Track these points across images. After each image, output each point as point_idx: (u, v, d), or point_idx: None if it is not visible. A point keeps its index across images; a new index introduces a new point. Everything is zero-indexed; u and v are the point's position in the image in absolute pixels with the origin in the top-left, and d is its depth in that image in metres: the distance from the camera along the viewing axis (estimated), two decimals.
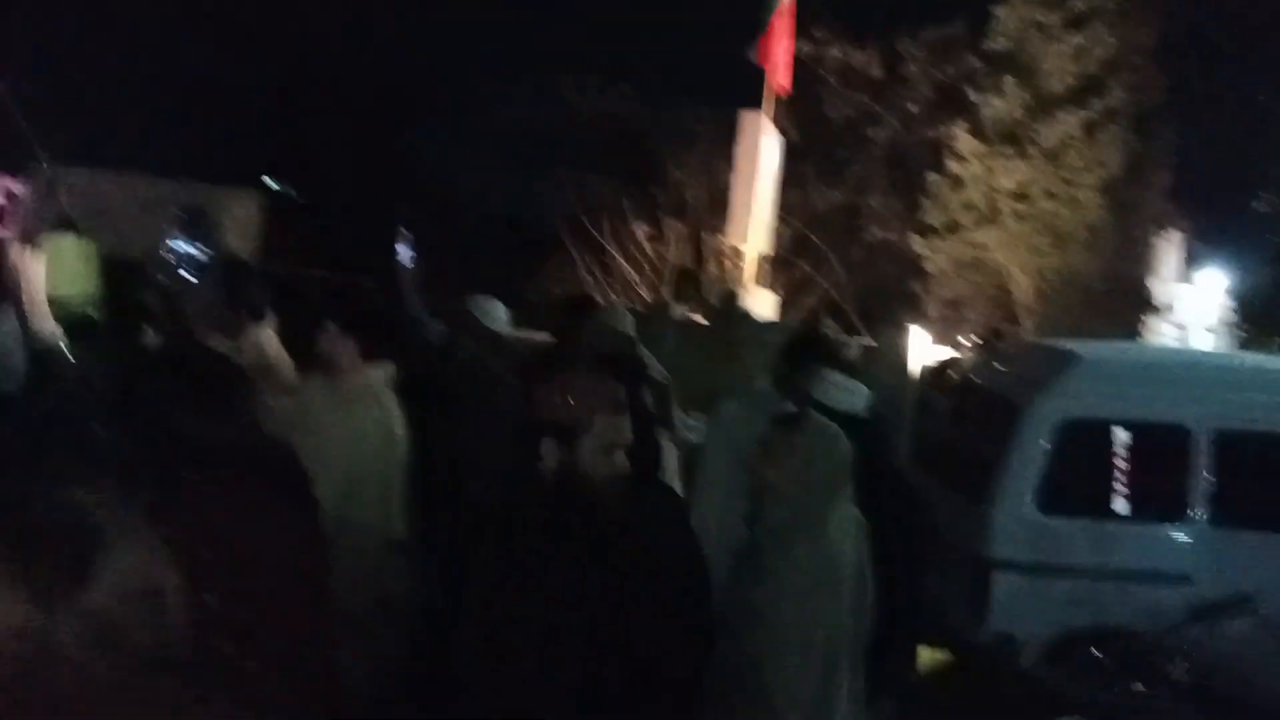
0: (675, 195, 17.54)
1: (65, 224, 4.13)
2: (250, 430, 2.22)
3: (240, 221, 18.26)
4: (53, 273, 3.47)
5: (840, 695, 2.67)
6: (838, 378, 3.27)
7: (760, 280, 11.98)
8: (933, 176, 17.87)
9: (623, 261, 16.02)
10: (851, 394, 3.19)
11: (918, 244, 17.94)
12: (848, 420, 3.00)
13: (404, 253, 4.24)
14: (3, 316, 3.43)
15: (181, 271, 8.02)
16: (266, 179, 23.88)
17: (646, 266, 15.92)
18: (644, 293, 15.46)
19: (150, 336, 3.62)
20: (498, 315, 4.45)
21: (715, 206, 15.15)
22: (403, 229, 4.37)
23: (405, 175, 29.84)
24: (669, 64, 19.50)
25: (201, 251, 9.32)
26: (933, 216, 17.85)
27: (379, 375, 3.46)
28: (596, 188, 17.38)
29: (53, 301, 3.31)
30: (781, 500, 2.70)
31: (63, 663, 1.00)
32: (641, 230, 16.16)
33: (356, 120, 26.67)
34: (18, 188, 18.86)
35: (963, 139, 17.48)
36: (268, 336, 4.08)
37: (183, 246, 9.01)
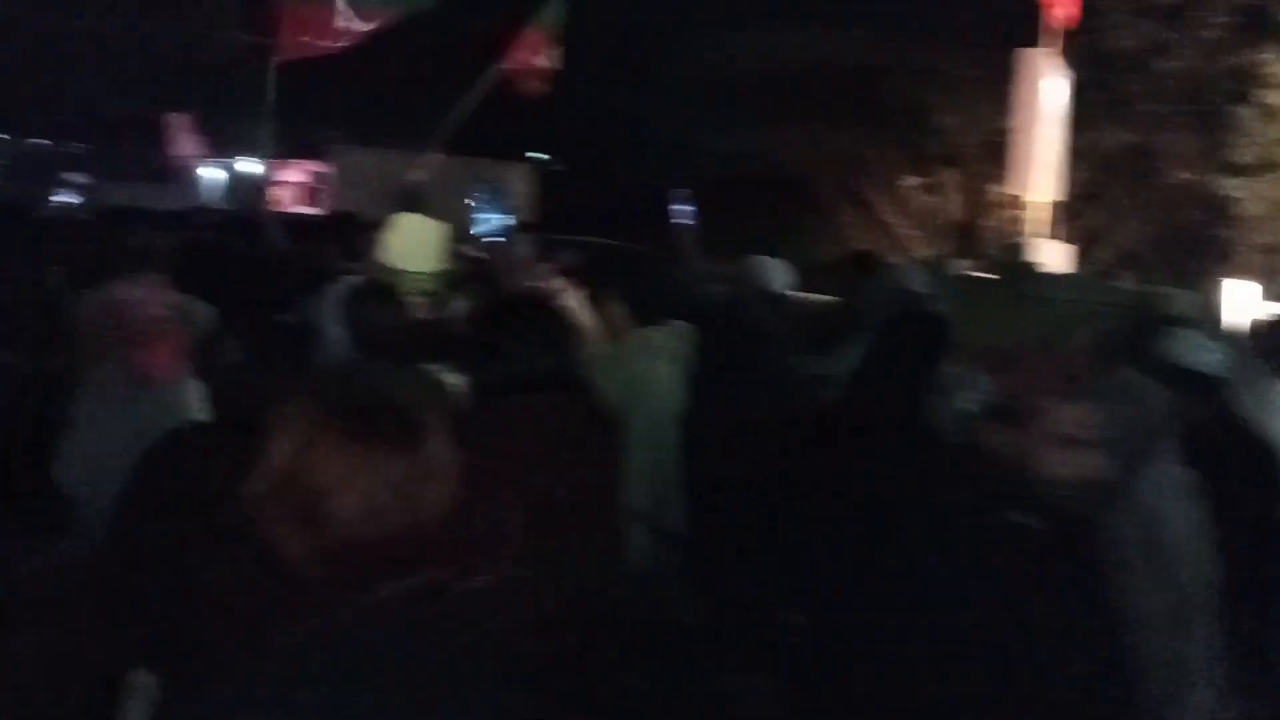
0: (946, 143, 16.59)
1: (412, 203, 4.45)
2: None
3: (517, 193, 19.23)
4: (401, 248, 3.74)
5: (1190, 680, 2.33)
6: (1195, 336, 2.90)
7: (1047, 231, 11.11)
8: (1240, 109, 15.92)
9: (892, 215, 15.32)
10: (1211, 353, 2.82)
11: (1227, 185, 16.05)
12: (1203, 381, 2.68)
13: (681, 214, 4.16)
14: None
15: (488, 238, 8.66)
16: (534, 153, 24.97)
17: (919, 220, 15.15)
18: (918, 248, 14.77)
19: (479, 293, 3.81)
20: (780, 276, 4.29)
21: (991, 153, 14.20)
22: (680, 190, 4.30)
23: (656, 135, 30.34)
24: (934, 3, 18.38)
25: (502, 219, 10.16)
26: (1242, 154, 15.90)
27: (662, 337, 3.40)
28: (858, 139, 16.73)
29: (401, 274, 3.48)
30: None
31: None
32: (912, 182, 15.37)
33: (604, 83, 27.26)
34: (321, 169, 20.82)
35: (1275, 64, 15.47)
36: (574, 296, 4.13)
37: (486, 215, 10.03)
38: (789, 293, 4.40)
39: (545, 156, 26.51)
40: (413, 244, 4.07)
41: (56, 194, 14.79)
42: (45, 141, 46.72)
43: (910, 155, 15.97)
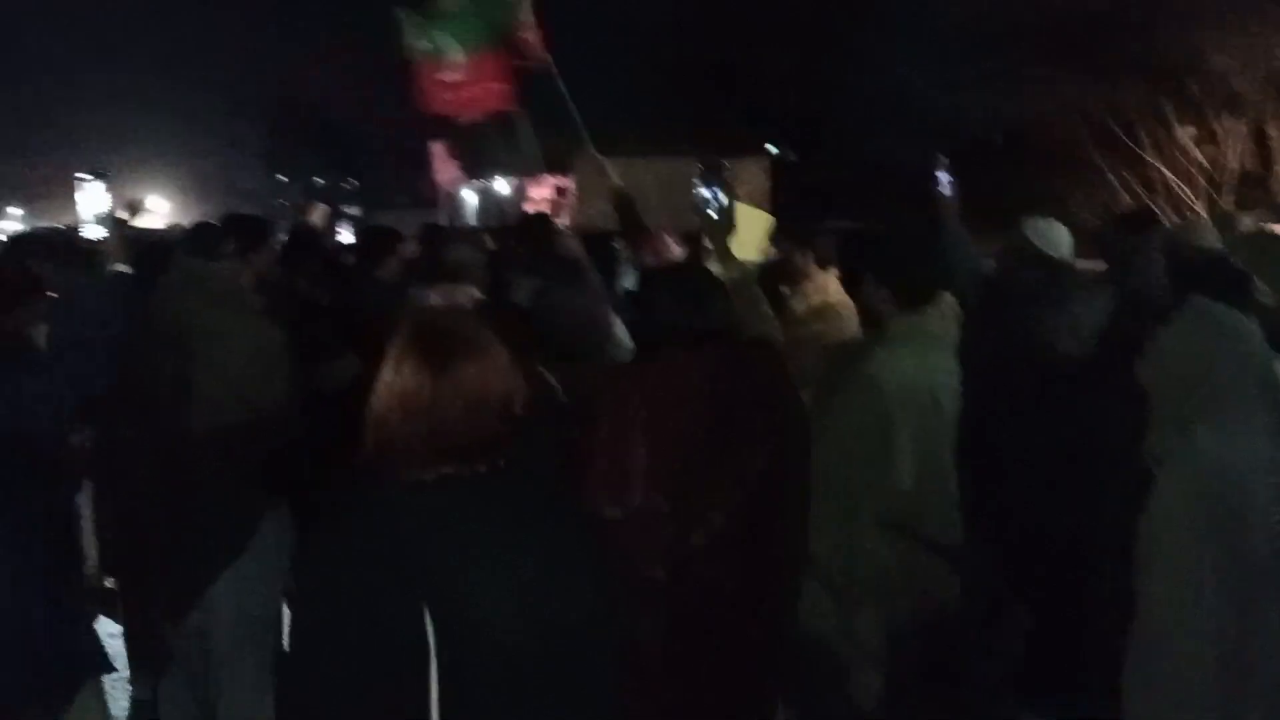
0: (1221, 88, 14.98)
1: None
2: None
3: (751, 187, 19.24)
4: (740, 239, 3.94)
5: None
6: None
7: None
8: None
9: (1165, 171, 13.92)
10: None
11: None
12: None
13: (943, 181, 3.91)
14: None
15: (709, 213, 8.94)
16: (768, 146, 24.90)
17: (1196, 173, 13.70)
18: (1197, 205, 13.42)
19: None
20: (1061, 240, 3.81)
21: (1274, 96, 12.72)
22: (937, 158, 4.03)
23: (904, 104, 29.38)
24: None
25: (719, 199, 10.43)
26: None
27: (934, 318, 3.16)
28: (1123, 90, 15.28)
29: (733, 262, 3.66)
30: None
31: None
32: (1185, 133, 13.89)
33: (814, 66, 26.72)
34: (564, 183, 21.70)
35: None
36: (833, 282, 4.08)
37: (706, 194, 10.23)
38: (1070, 258, 3.85)
39: (774, 150, 26.43)
40: (746, 234, 4.19)
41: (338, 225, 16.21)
42: (320, 180, 51.73)
43: (1179, 104, 14.41)
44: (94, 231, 3.06)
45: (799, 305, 4.19)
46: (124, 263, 2.78)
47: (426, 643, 1.45)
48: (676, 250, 4.31)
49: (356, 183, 50.19)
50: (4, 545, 2.23)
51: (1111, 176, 14.34)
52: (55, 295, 3.30)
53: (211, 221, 3.79)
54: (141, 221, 2.94)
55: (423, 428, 1.53)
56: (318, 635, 1.53)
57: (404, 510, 1.52)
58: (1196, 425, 2.20)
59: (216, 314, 3.22)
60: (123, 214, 3.52)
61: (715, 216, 3.53)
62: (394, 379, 1.57)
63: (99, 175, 3.22)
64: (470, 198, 24.89)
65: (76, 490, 3.18)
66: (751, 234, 4.30)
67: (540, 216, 4.51)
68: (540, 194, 23.02)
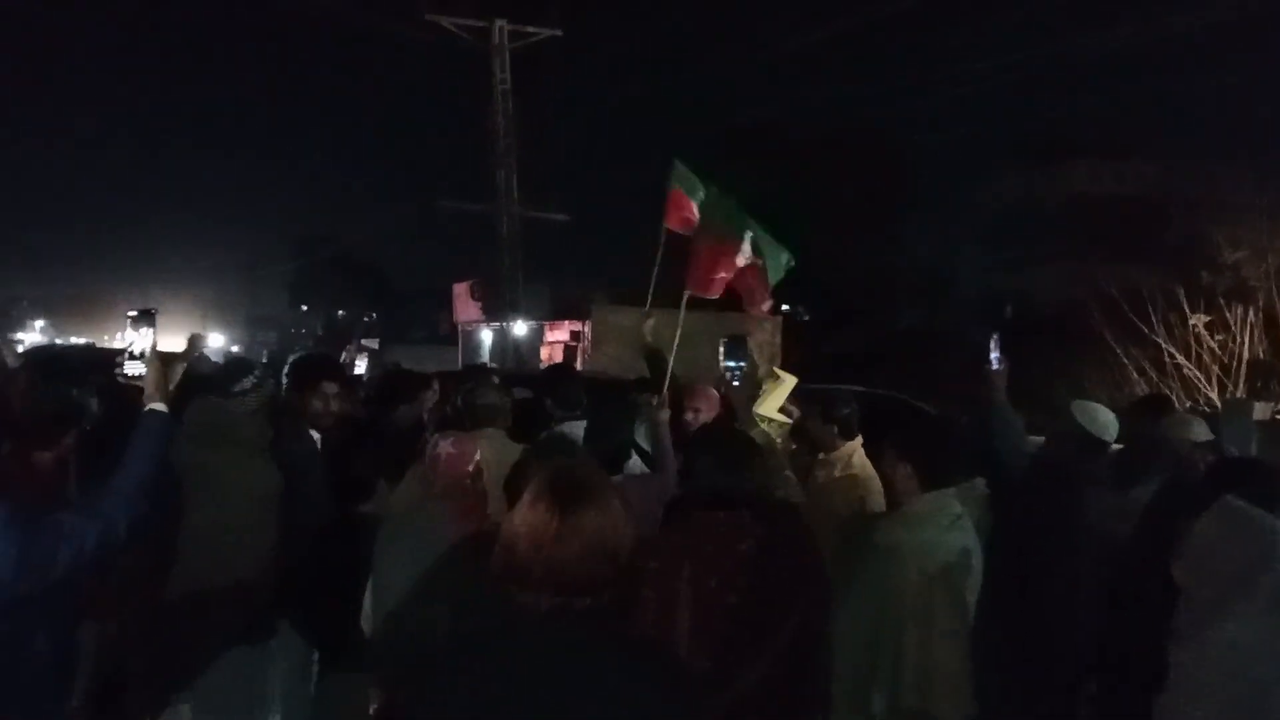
0: (1232, 278, 15.27)
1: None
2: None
3: (760, 342, 19.63)
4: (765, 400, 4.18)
5: None
6: None
7: None
8: None
9: (1177, 355, 14.07)
10: None
11: None
12: None
13: (994, 357, 3.86)
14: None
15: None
16: (784, 306, 25.46)
17: (1208, 359, 13.83)
18: (1208, 390, 13.45)
19: None
20: (1109, 424, 3.76)
21: None
22: (989, 331, 4.01)
23: (903, 280, 30.18)
24: (1205, 133, 17.35)
25: (740, 366, 10.81)
26: None
27: (963, 500, 3.08)
28: (1137, 275, 15.63)
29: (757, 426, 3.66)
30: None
31: None
32: (1197, 319, 14.07)
33: (848, 226, 27.57)
34: (579, 328, 22.19)
35: None
36: (856, 448, 4.10)
37: (731, 363, 10.51)
38: (1111, 440, 3.77)
39: (788, 308, 27.02)
40: (771, 395, 4.26)
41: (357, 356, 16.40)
42: (343, 312, 52.86)
43: (1190, 292, 14.68)
44: (133, 368, 3.13)
45: (822, 474, 4.13)
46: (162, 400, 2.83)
47: None
48: (714, 403, 4.41)
49: (374, 316, 51.23)
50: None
51: (1125, 359, 14.48)
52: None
53: (241, 358, 3.88)
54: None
55: (542, 560, 1.72)
56: None
57: (524, 633, 1.74)
58: (1224, 612, 2.25)
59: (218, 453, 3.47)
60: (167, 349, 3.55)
61: (738, 384, 3.63)
62: (527, 514, 1.77)
63: (149, 316, 3.25)
64: (486, 337, 25.44)
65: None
66: (776, 394, 4.32)
67: (568, 366, 4.67)
68: (557, 337, 23.51)
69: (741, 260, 4.65)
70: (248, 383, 3.66)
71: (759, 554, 2.46)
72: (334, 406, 3.90)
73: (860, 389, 7.57)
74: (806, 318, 29.88)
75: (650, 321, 4.83)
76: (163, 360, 2.81)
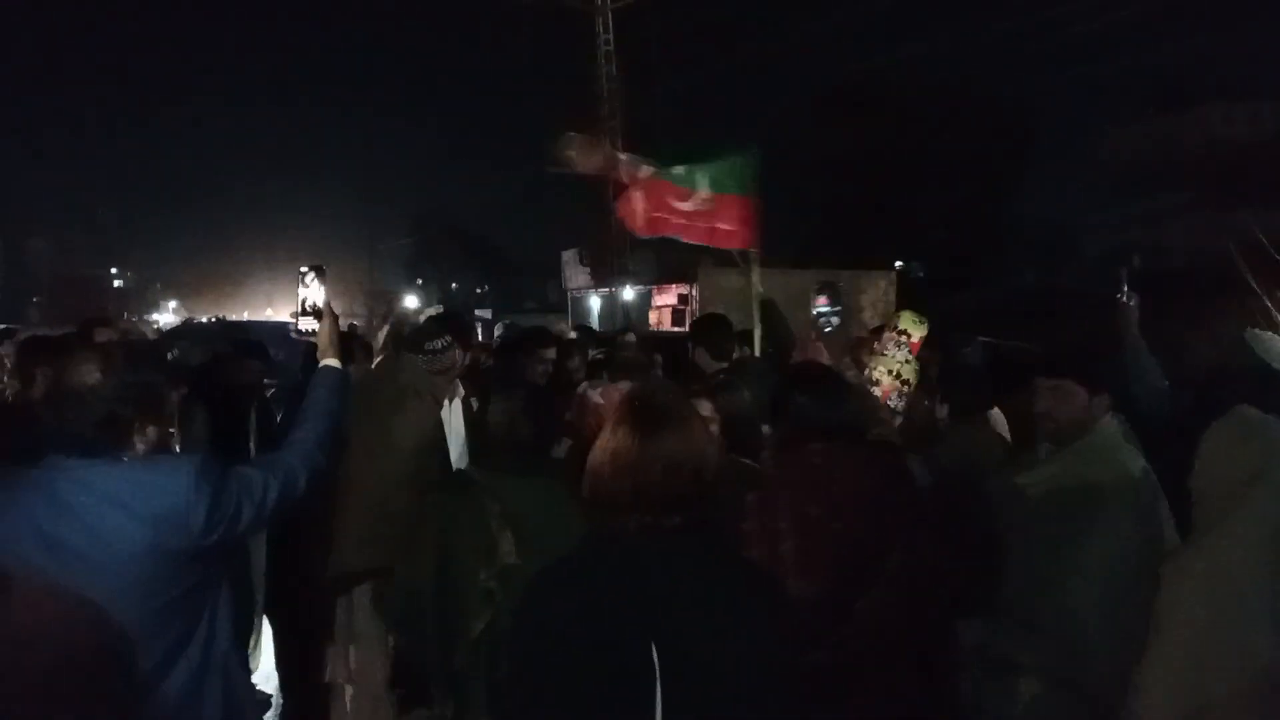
0: None
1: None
2: None
3: (874, 299, 19.14)
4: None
5: None
6: None
7: None
8: None
9: None
10: None
11: None
12: None
13: (1127, 294, 3.65)
14: None
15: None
16: (898, 263, 24.86)
17: None
18: None
19: None
20: (1276, 351, 3.53)
21: None
22: (1122, 268, 3.80)
23: (1023, 235, 29.01)
24: None
25: (835, 311, 10.81)
26: None
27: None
28: (1267, 221, 14.67)
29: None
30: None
31: None
32: None
33: (964, 181, 26.59)
34: (687, 291, 22.07)
35: None
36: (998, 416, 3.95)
37: (825, 309, 10.62)
38: None
39: (904, 264, 26.35)
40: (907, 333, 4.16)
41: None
42: (455, 284, 54.02)
43: None
44: (306, 324, 3.26)
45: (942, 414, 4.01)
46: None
47: (655, 677, 1.64)
48: (826, 358, 4.38)
49: (487, 287, 52.17)
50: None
51: (1269, 303, 13.59)
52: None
53: (439, 318, 4.08)
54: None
55: (628, 482, 1.77)
56: (546, 670, 1.72)
57: (618, 554, 1.77)
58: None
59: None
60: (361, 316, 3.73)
61: (829, 330, 3.58)
62: (609, 440, 1.83)
63: (320, 271, 3.33)
64: (595, 303, 25.58)
65: None
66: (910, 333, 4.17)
67: (719, 317, 4.81)
68: (665, 301, 23.45)
69: (689, 204, 4.78)
70: (437, 344, 3.67)
71: (859, 484, 2.45)
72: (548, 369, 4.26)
73: (989, 339, 7.29)
74: (921, 274, 29.11)
75: (756, 272, 4.85)
76: (334, 317, 2.80)
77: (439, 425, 3.56)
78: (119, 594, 1.88)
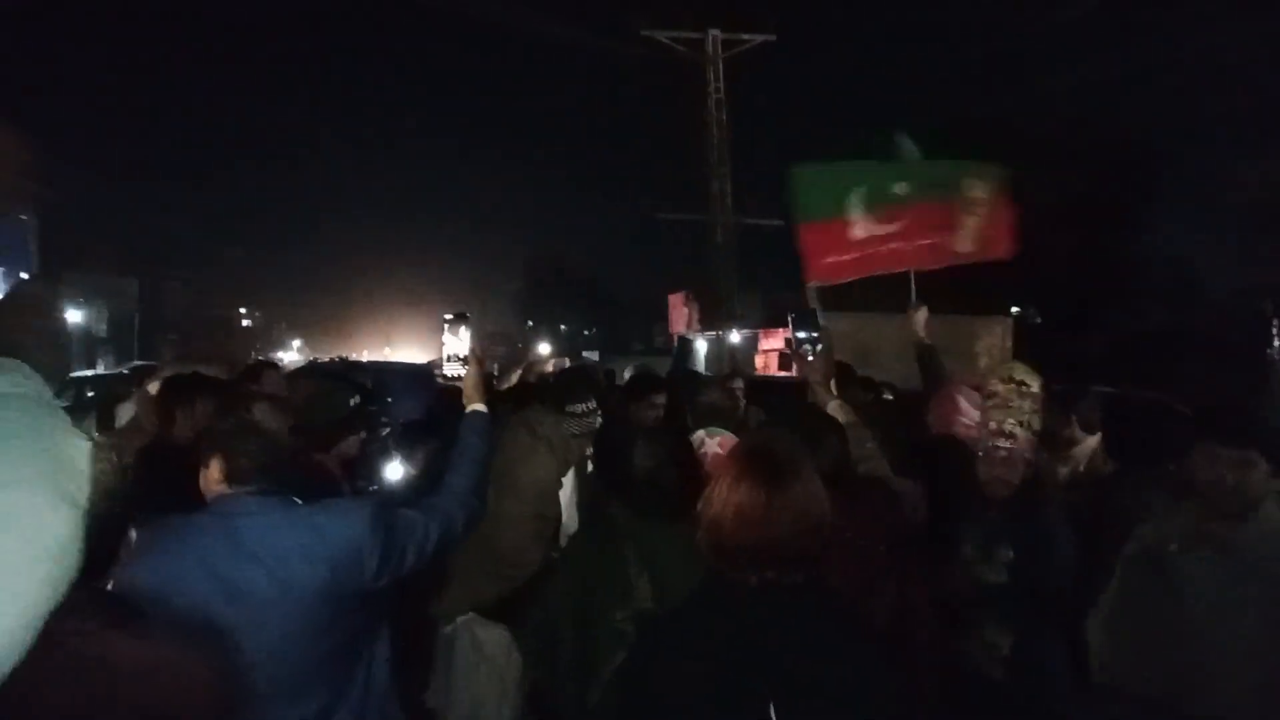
0: None
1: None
2: None
3: (989, 345, 18.71)
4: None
5: None
6: None
7: None
8: None
9: None
10: None
11: None
12: None
13: (1278, 345, 3.50)
14: None
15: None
16: (1013, 309, 24.23)
17: None
18: None
19: None
20: None
21: None
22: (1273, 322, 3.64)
23: (1133, 271, 27.86)
24: None
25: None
26: None
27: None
28: None
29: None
30: None
31: None
32: None
33: (1084, 220, 25.68)
34: (792, 335, 21.94)
35: None
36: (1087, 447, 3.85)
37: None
38: None
39: (1020, 310, 25.62)
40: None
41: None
42: (564, 326, 54.84)
43: None
44: (451, 369, 3.31)
45: (1065, 470, 3.94)
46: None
47: None
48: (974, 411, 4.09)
49: (594, 329, 52.79)
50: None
51: None
52: None
53: (581, 372, 4.24)
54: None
55: (754, 537, 1.71)
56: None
57: (739, 609, 1.72)
58: None
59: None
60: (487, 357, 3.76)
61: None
62: (732, 493, 1.76)
63: (464, 319, 3.41)
64: (701, 346, 25.66)
65: None
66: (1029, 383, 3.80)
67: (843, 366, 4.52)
68: (772, 345, 23.37)
69: (860, 231, 4.27)
70: (581, 407, 3.56)
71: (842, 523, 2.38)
72: (659, 414, 3.98)
73: (1111, 390, 7.02)
74: (1039, 320, 28.25)
75: (921, 315, 4.36)
76: (480, 363, 2.87)
77: (558, 482, 3.54)
78: (294, 638, 1.95)
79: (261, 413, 2.22)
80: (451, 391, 3.36)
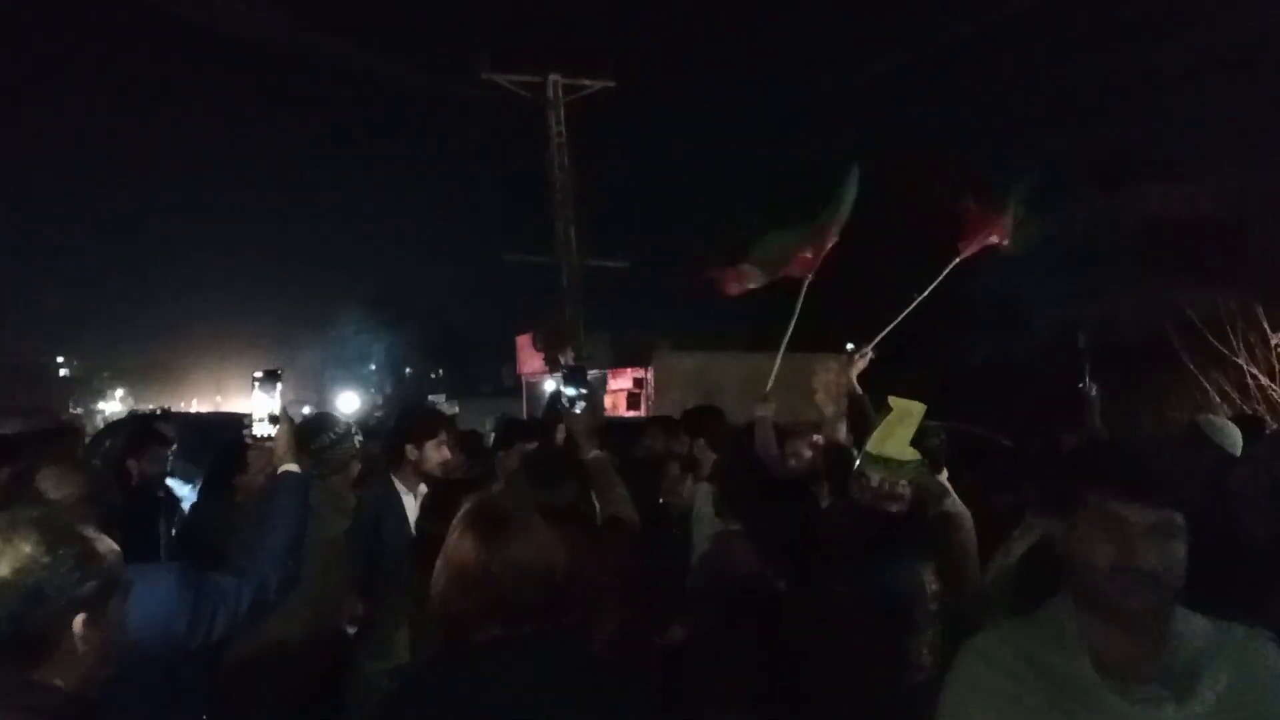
0: None
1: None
2: None
3: (826, 382, 19.39)
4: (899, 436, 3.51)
5: None
6: None
7: None
8: None
9: (1259, 375, 13.56)
10: None
11: None
12: None
13: (1089, 384, 3.87)
14: None
15: None
16: (849, 345, 25.13)
17: None
18: None
19: None
20: (1235, 439, 3.68)
21: None
22: (1087, 364, 4.02)
23: (973, 311, 29.71)
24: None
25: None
26: None
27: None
28: (1206, 297, 15.19)
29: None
30: None
31: None
32: (1278, 339, 13.54)
33: (909, 257, 27.14)
34: (642, 375, 22.20)
35: None
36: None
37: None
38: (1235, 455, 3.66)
39: (851, 346, 26.62)
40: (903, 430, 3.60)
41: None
42: (409, 369, 53.72)
43: (1277, 311, 14.10)
44: (260, 429, 3.18)
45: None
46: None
47: None
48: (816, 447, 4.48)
49: (440, 371, 51.94)
50: None
51: (1206, 382, 13.99)
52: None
53: (321, 416, 4.17)
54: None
55: (476, 596, 1.70)
56: None
57: (472, 667, 1.69)
58: None
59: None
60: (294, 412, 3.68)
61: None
62: (454, 555, 1.75)
63: (275, 376, 3.25)
64: (549, 387, 25.60)
65: None
66: (903, 428, 3.52)
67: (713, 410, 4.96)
68: (620, 385, 23.53)
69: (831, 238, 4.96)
70: (325, 439, 3.70)
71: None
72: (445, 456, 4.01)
73: (936, 424, 7.28)
74: (871, 355, 29.41)
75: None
76: (290, 421, 2.82)
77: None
78: (104, 706, 1.81)
79: (48, 480, 2.05)
80: (240, 450, 3.23)
